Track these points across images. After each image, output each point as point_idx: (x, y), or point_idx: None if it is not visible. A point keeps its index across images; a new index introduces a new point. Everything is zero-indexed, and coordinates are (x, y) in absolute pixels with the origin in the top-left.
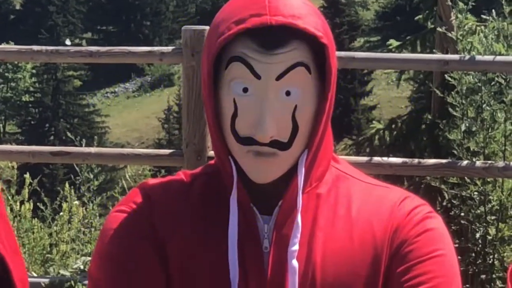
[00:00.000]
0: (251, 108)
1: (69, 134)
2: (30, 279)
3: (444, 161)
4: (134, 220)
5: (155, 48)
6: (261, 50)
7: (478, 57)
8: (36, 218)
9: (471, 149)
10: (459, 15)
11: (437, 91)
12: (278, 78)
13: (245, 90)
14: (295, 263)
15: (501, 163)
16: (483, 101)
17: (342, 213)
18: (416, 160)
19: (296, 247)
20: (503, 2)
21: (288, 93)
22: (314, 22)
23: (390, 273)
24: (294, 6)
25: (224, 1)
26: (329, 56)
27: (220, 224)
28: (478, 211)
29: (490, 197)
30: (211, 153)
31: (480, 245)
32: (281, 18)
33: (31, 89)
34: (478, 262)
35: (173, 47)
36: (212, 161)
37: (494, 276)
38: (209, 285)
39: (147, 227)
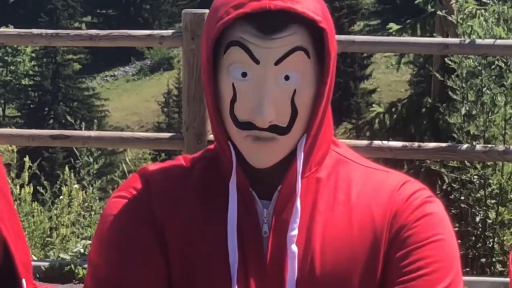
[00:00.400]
0: (250, 93)
1: (68, 117)
2: None
3: (444, 144)
4: (134, 206)
5: (155, 32)
6: (260, 35)
7: (478, 41)
8: (36, 202)
9: (471, 133)
10: None
11: (437, 75)
12: (277, 62)
13: (244, 74)
14: (294, 248)
15: (501, 147)
16: (483, 85)
17: (341, 198)
18: (416, 144)
19: (295, 232)
20: None
21: (287, 78)
22: (313, 7)
23: (389, 258)
24: None
25: None
26: (328, 40)
27: (219, 209)
28: (478, 195)
29: (490, 180)
30: (211, 136)
31: (480, 229)
32: (280, 2)
33: (31, 72)
34: (478, 245)
35: (173, 31)
36: (212, 146)
37: (494, 259)
38: (209, 270)
39: (147, 213)
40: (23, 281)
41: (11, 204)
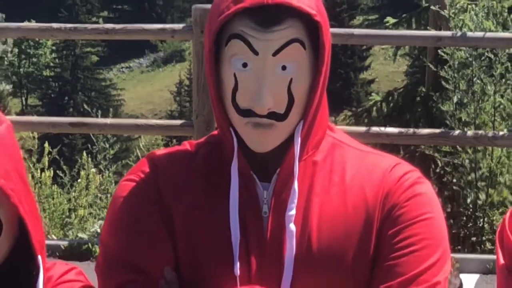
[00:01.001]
0: (250, 82)
1: (86, 106)
2: (50, 242)
3: (437, 130)
4: (142, 189)
5: (167, 26)
6: (259, 28)
7: (469, 34)
8: (55, 185)
9: (463, 120)
10: None
11: (431, 66)
12: (275, 53)
13: (245, 65)
14: (292, 227)
15: (490, 133)
16: (474, 75)
17: (336, 180)
18: (411, 130)
19: (293, 212)
20: None
21: (284, 68)
22: (308, 1)
23: (382, 235)
24: None
25: None
26: (323, 33)
27: (222, 191)
28: (469, 178)
29: (481, 164)
30: None
31: (471, 210)
32: None
33: (51, 64)
34: (469, 225)
35: (184, 25)
36: (215, 132)
37: (484, 238)
38: (212, 248)
39: (154, 195)
40: (39, 257)
41: (27, 187)
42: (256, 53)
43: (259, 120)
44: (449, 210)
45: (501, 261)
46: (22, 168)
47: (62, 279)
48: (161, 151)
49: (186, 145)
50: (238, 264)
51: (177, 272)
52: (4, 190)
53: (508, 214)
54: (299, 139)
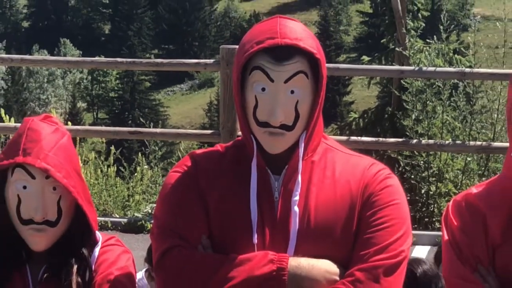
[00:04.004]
0: (267, 102)
1: (141, 119)
2: (114, 219)
3: (400, 140)
4: (185, 178)
5: (201, 60)
6: (274, 62)
7: (424, 68)
8: (118, 177)
9: (419, 132)
10: (411, 39)
11: (396, 92)
12: (286, 81)
13: (263, 89)
14: (296, 209)
15: (439, 142)
16: (427, 99)
17: (329, 175)
18: (381, 139)
19: (297, 198)
20: (441, 31)
21: (292, 92)
22: (311, 43)
23: (362, 216)
24: (297, 32)
25: (250, 28)
26: (321, 67)
27: (245, 181)
28: (423, 175)
29: (432, 165)
30: (239, 132)
31: (424, 198)
32: (288, 40)
33: (116, 88)
34: (423, 209)
35: (214, 60)
36: (239, 137)
37: (434, 219)
38: (237, 223)
39: (194, 183)
40: (97, 232)
41: (83, 181)
42: (272, 80)
43: (273, 130)
44: (408, 198)
45: (446, 237)
46: (79, 168)
47: (105, 243)
48: (199, 150)
49: (218, 147)
50: (256, 235)
51: (211, 240)
52: (67, 187)
53: (451, 202)
54: (303, 144)
